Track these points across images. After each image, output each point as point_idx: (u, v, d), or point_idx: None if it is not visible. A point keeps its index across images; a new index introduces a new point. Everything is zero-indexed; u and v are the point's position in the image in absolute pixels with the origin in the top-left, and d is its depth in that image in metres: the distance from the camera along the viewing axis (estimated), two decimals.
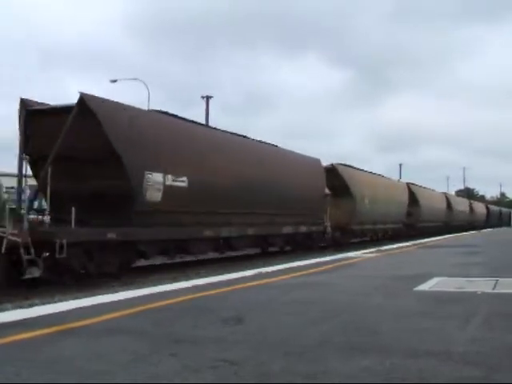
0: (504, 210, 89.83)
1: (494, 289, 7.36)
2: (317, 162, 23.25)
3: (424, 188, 42.24)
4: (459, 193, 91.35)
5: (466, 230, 43.99)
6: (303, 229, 21.11)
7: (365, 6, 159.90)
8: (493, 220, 71.33)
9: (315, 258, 14.28)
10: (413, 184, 38.41)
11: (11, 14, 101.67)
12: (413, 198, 35.46)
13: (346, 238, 25.53)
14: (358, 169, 28.90)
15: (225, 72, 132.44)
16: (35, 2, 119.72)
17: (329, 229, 23.09)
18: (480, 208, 67.51)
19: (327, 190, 23.17)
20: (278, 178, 18.66)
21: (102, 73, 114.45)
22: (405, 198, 34.38)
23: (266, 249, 20.21)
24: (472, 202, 64.12)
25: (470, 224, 54.40)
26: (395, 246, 20.11)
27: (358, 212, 25.81)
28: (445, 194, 52.75)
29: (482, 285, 7.67)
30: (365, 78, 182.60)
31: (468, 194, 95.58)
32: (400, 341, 4.24)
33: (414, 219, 35.72)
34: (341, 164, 26.60)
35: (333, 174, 24.50)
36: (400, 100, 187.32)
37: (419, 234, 34.48)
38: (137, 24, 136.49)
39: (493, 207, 78.88)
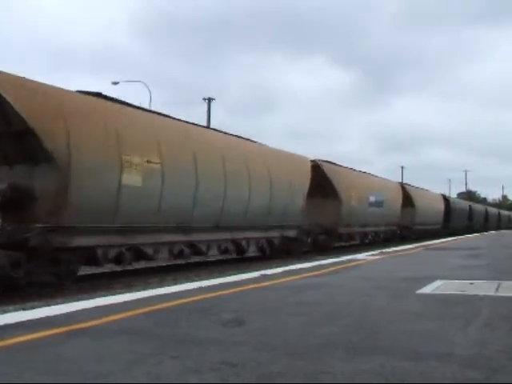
0: (477, 206, 63.18)
1: (496, 292, 7.35)
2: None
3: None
4: (460, 196, 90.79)
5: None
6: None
7: (370, 7, 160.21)
8: (458, 221, 47.61)
9: (319, 260, 14.26)
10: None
11: (14, 16, 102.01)
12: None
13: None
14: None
15: (229, 72, 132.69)
16: (38, 4, 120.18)
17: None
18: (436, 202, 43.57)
19: None
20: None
21: (106, 72, 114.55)
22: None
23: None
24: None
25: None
26: (399, 248, 20.09)
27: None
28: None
29: (484, 287, 7.66)
30: (368, 80, 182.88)
31: (470, 196, 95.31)
32: (402, 342, 4.23)
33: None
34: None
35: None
36: (403, 101, 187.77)
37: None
38: (141, 24, 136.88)
39: (457, 201, 54.27)
